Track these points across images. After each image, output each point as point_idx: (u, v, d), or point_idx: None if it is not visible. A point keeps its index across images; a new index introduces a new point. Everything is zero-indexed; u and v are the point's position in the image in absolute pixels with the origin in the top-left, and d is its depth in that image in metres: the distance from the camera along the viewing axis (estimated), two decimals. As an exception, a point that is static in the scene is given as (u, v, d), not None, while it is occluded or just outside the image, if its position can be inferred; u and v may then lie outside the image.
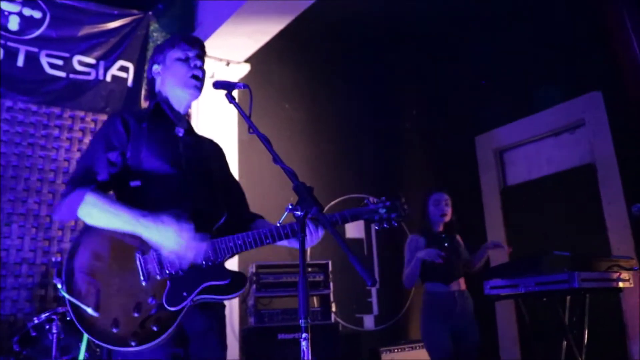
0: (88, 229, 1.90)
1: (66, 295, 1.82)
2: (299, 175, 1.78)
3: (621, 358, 4.62)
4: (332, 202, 5.58)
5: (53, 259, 3.41)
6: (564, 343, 3.56)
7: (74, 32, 4.52)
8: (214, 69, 4.91)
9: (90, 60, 4.58)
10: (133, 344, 1.76)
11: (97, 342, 1.79)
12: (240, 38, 4.80)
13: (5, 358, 3.60)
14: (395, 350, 4.80)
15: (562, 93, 5.42)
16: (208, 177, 2.10)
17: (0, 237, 4.00)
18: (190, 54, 2.13)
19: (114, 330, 1.77)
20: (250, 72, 5.17)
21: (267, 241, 1.94)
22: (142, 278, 1.84)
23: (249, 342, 4.23)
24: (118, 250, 1.87)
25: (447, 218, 3.99)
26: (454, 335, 3.80)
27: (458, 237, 4.11)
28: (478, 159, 6.30)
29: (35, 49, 4.34)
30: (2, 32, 4.21)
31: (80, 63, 4.54)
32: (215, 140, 2.36)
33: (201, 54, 2.17)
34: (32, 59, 4.32)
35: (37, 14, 4.38)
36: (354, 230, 5.72)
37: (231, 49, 4.93)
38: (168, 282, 1.85)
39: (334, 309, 4.51)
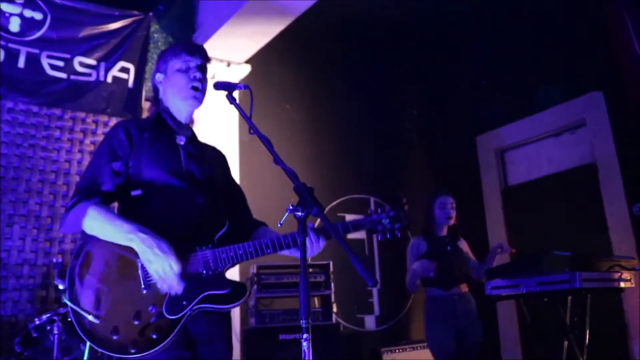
0: (90, 236, 1.92)
1: (68, 302, 1.85)
2: (299, 175, 1.78)
3: (622, 358, 4.62)
4: (333, 203, 5.58)
5: (54, 260, 3.41)
6: (565, 343, 3.56)
7: (74, 34, 4.52)
8: (214, 70, 4.92)
9: (91, 61, 4.59)
10: (133, 351, 1.78)
11: (97, 349, 1.81)
12: (240, 39, 4.81)
13: (6, 359, 3.60)
14: (397, 351, 4.80)
15: (563, 93, 5.42)
16: (209, 185, 2.10)
17: (1, 238, 4.00)
18: (191, 64, 2.13)
19: (114, 338, 1.80)
20: (250, 73, 5.18)
21: (268, 251, 1.95)
22: (142, 286, 1.86)
23: (250, 343, 4.23)
24: (120, 258, 1.89)
25: (453, 221, 3.98)
26: (457, 335, 3.80)
27: (463, 242, 4.10)
28: (479, 159, 6.30)
29: (36, 50, 4.35)
30: (3, 34, 4.21)
31: (81, 64, 4.54)
32: (217, 143, 2.36)
33: (202, 64, 2.16)
34: (33, 60, 4.33)
35: (38, 16, 4.39)
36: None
37: (232, 50, 4.93)
38: None
39: (335, 309, 4.51)
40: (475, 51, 6.05)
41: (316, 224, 2.00)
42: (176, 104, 2.15)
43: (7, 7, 4.26)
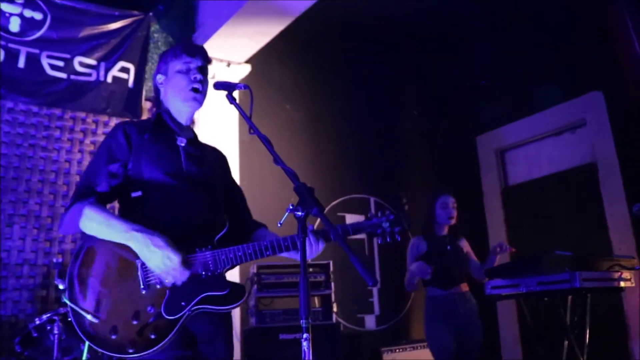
0: (90, 237, 1.94)
1: (67, 302, 1.86)
2: (299, 175, 1.79)
3: (623, 358, 4.62)
4: (333, 203, 5.58)
5: (54, 260, 3.42)
6: (566, 343, 3.55)
7: (74, 34, 4.52)
8: (214, 70, 4.92)
9: (91, 61, 4.59)
10: (131, 351, 1.79)
11: (96, 348, 1.82)
12: (240, 39, 4.81)
13: (6, 359, 3.60)
14: (397, 351, 4.80)
15: (563, 93, 5.42)
16: (209, 187, 2.10)
17: (1, 238, 4.00)
18: (192, 65, 2.13)
19: (113, 337, 1.81)
20: (250, 73, 5.18)
21: (267, 253, 1.95)
22: (142, 286, 1.87)
23: (251, 343, 4.23)
24: (120, 259, 1.90)
25: (454, 221, 3.99)
26: (457, 335, 3.80)
27: (464, 242, 4.10)
28: (479, 159, 6.30)
29: (36, 50, 4.35)
30: (3, 34, 4.21)
31: (81, 64, 4.54)
32: (217, 144, 2.37)
33: (203, 65, 2.16)
34: (33, 61, 4.33)
35: (38, 16, 4.39)
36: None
37: (232, 50, 4.93)
38: (167, 291, 1.88)
39: (335, 309, 4.51)
40: (475, 51, 6.05)
41: (316, 225, 2.00)
42: (177, 105, 2.15)
43: (7, 7, 4.26)
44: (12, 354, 3.50)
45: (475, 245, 4.23)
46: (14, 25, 4.28)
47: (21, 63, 4.28)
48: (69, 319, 3.22)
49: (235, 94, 2.04)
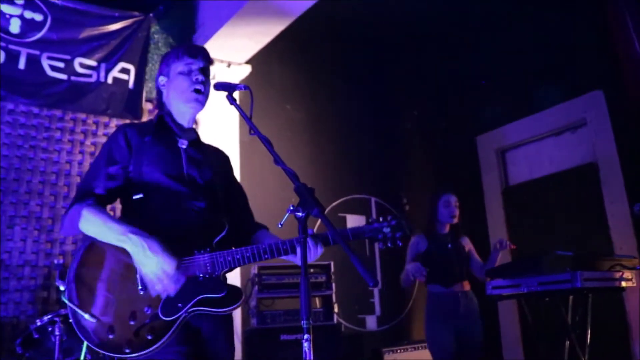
0: (92, 237, 1.95)
1: (65, 301, 1.88)
2: (300, 176, 1.78)
3: (624, 357, 4.61)
4: (334, 203, 5.58)
5: (55, 261, 3.41)
6: (567, 343, 3.55)
7: (75, 35, 4.52)
8: (215, 71, 4.92)
9: (92, 62, 4.59)
10: (127, 351, 1.80)
11: (93, 347, 1.83)
12: (241, 39, 4.81)
13: (8, 360, 3.61)
14: (398, 351, 4.80)
15: (564, 92, 5.42)
16: (210, 189, 2.10)
17: (2, 239, 4.00)
18: (194, 66, 2.13)
19: (110, 337, 1.82)
20: (251, 74, 5.18)
21: (266, 256, 1.95)
22: (139, 287, 1.87)
23: (252, 343, 4.23)
24: (118, 259, 1.91)
25: (456, 220, 4.00)
26: (458, 335, 3.80)
27: (466, 240, 4.11)
28: (479, 159, 6.30)
29: (36, 52, 4.35)
30: (4, 35, 4.21)
31: (82, 65, 4.54)
32: (217, 144, 2.36)
33: (205, 66, 2.16)
34: (34, 62, 4.33)
35: (38, 17, 4.39)
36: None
37: (232, 51, 4.93)
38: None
39: (336, 309, 4.51)
40: (475, 51, 6.05)
41: (317, 225, 2.00)
42: (179, 106, 2.15)
43: (7, 9, 4.26)
44: (13, 355, 3.49)
45: (476, 245, 4.23)
46: (14, 26, 4.29)
47: (21, 64, 4.28)
48: (70, 320, 3.23)
49: (236, 94, 2.04)
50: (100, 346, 1.82)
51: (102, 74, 4.62)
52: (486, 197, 6.15)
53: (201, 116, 2.28)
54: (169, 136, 2.13)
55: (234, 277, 4.42)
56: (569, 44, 5.30)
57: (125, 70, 4.74)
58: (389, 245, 2.00)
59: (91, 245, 1.94)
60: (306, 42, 5.69)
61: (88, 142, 4.52)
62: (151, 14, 4.93)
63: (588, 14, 5.02)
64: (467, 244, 4.11)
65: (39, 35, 4.37)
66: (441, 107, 6.51)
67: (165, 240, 1.87)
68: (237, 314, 4.59)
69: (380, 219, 2.02)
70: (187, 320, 1.88)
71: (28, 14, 4.35)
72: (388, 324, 5.61)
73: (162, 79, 2.19)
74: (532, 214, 5.64)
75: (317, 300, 4.60)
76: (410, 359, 4.80)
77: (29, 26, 4.34)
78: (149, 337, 1.82)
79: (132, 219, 1.94)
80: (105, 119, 4.64)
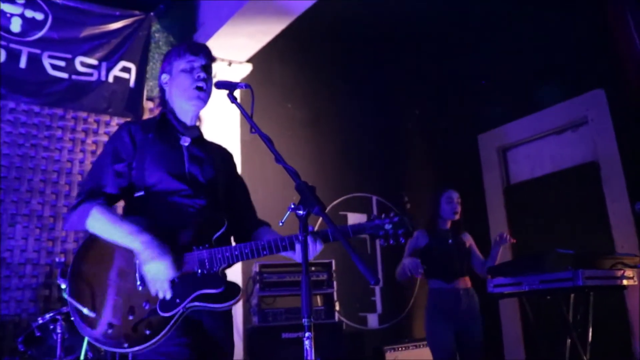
0: (92, 234, 1.96)
1: (65, 296, 1.92)
2: (301, 174, 1.78)
3: (625, 355, 4.61)
4: (335, 201, 5.58)
5: (57, 260, 3.42)
6: (568, 341, 3.55)
7: (76, 34, 4.53)
8: (216, 69, 4.87)
9: (93, 61, 4.59)
10: (125, 345, 1.82)
11: (92, 341, 1.86)
12: (241, 38, 4.80)
13: (10, 358, 3.61)
14: (399, 349, 4.80)
15: (565, 91, 5.42)
16: (211, 187, 2.11)
17: (4, 237, 4.01)
18: (195, 64, 2.13)
19: (109, 332, 1.85)
20: (252, 72, 5.17)
21: (264, 252, 1.95)
22: (138, 283, 1.89)
23: (253, 341, 4.23)
24: (118, 255, 1.93)
25: (458, 216, 4.01)
26: (458, 333, 3.80)
27: (468, 237, 4.12)
28: (481, 158, 6.30)
29: (37, 51, 4.35)
30: (5, 34, 4.22)
31: (83, 64, 4.55)
32: (223, 144, 2.36)
33: (207, 64, 2.16)
34: (35, 61, 4.33)
35: (39, 16, 4.39)
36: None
37: (233, 49, 4.93)
38: None
39: (337, 307, 4.51)
40: (476, 49, 6.04)
41: (318, 224, 2.00)
42: (181, 104, 2.16)
43: (8, 8, 4.27)
44: (16, 353, 3.51)
45: (478, 244, 4.23)
46: (15, 25, 4.29)
47: (23, 63, 4.29)
48: (72, 318, 3.24)
49: (237, 93, 2.04)
50: (99, 341, 1.84)
51: (103, 72, 4.63)
52: (487, 195, 6.15)
53: (202, 114, 2.27)
54: (172, 134, 2.14)
55: (236, 275, 4.43)
56: (570, 43, 5.29)
57: (126, 69, 4.74)
58: (391, 242, 1.98)
59: (91, 241, 1.96)
60: (307, 41, 5.68)
61: (89, 141, 4.53)
62: (152, 13, 4.93)
63: (589, 12, 5.01)
64: (469, 240, 4.12)
65: (40, 34, 4.38)
66: (442, 106, 6.51)
67: (165, 237, 1.89)
68: (239, 312, 4.60)
69: (382, 216, 2.00)
70: (186, 316, 1.89)
71: (29, 13, 4.35)
72: (389, 322, 5.62)
73: (164, 77, 2.20)
74: (534, 212, 5.64)
75: (319, 299, 4.60)
76: (412, 357, 4.80)
77: (30, 25, 4.34)
78: (147, 332, 1.83)
79: (133, 216, 1.96)
80: (106, 118, 4.64)
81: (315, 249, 1.95)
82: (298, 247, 1.94)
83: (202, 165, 2.12)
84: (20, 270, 4.04)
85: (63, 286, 3.29)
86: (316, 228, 4.90)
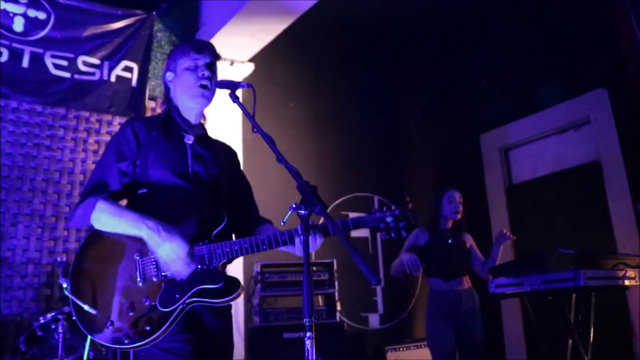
0: (94, 232, 1.97)
1: (67, 293, 1.93)
2: (302, 174, 1.78)
3: (627, 356, 4.60)
4: (337, 201, 5.58)
5: (59, 259, 3.42)
6: (570, 341, 3.55)
7: (78, 33, 4.53)
8: (217, 69, 4.91)
9: (95, 60, 4.60)
10: (126, 342, 1.83)
11: (93, 338, 1.86)
12: (243, 38, 4.81)
13: (11, 357, 3.62)
14: (401, 349, 4.80)
15: (567, 91, 5.40)
16: (214, 185, 2.12)
17: (6, 237, 4.02)
18: (200, 62, 2.13)
19: (109, 328, 1.85)
20: (254, 72, 5.18)
21: (264, 247, 1.96)
22: (138, 279, 1.90)
23: (254, 341, 4.24)
24: (119, 252, 1.94)
25: (460, 216, 4.01)
26: (459, 332, 3.80)
27: (468, 237, 4.11)
28: (483, 157, 6.29)
29: (40, 50, 4.36)
30: (7, 34, 4.23)
31: (85, 63, 4.55)
32: (227, 143, 2.36)
33: (211, 62, 2.16)
34: (37, 60, 4.34)
35: (42, 15, 4.40)
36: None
37: (235, 49, 4.93)
38: (163, 284, 1.90)
39: (339, 307, 4.51)
40: (479, 49, 6.03)
41: (319, 223, 1.99)
42: (185, 102, 2.16)
43: (11, 7, 4.27)
44: (17, 353, 3.51)
45: (479, 244, 4.23)
46: (18, 25, 4.30)
47: (25, 63, 4.29)
48: (73, 318, 3.24)
49: (239, 92, 2.04)
50: (100, 337, 1.85)
51: (106, 72, 4.64)
52: (489, 195, 6.14)
53: (205, 113, 2.28)
54: (176, 131, 2.15)
55: (237, 275, 4.41)
56: (572, 42, 5.28)
57: (128, 69, 4.75)
58: (392, 235, 1.97)
59: (93, 239, 1.97)
60: (309, 41, 5.68)
61: (91, 140, 4.53)
62: (154, 12, 4.94)
63: (591, 11, 5.00)
64: (469, 240, 4.12)
65: (42, 34, 4.38)
66: (444, 106, 6.50)
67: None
68: (240, 312, 4.60)
69: (384, 209, 1.99)
70: (186, 311, 1.90)
71: (31, 13, 4.36)
72: (391, 322, 5.62)
73: (169, 75, 2.20)
74: (535, 212, 5.63)
75: (320, 298, 4.60)
76: (413, 357, 4.80)
77: (32, 24, 4.35)
78: (148, 328, 1.84)
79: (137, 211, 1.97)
80: (108, 117, 4.65)
81: (316, 242, 1.95)
82: (297, 240, 1.94)
83: (206, 163, 2.13)
84: (22, 270, 4.04)
85: (65, 285, 3.29)
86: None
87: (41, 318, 3.31)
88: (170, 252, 1.86)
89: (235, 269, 4.33)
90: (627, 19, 4.38)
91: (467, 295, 3.88)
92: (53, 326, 3.28)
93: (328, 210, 1.72)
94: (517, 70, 5.76)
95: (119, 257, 1.93)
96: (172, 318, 1.86)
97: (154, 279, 1.90)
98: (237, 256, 1.95)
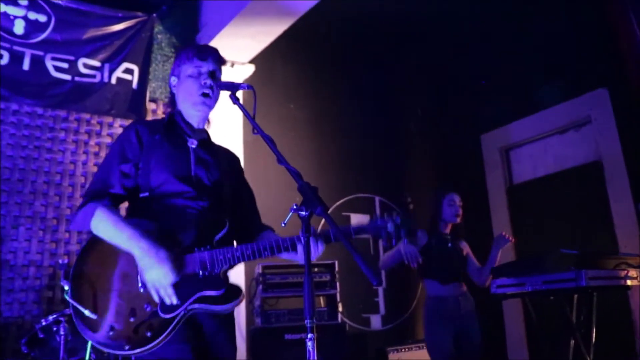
0: (95, 235, 1.96)
1: (67, 297, 1.90)
2: (303, 175, 1.78)
3: (629, 356, 4.60)
4: (338, 202, 5.58)
5: (60, 261, 3.42)
6: (572, 342, 3.54)
7: (78, 35, 4.54)
8: (218, 71, 4.92)
9: (95, 62, 4.60)
10: (127, 347, 1.82)
11: (94, 344, 1.85)
12: (244, 39, 4.81)
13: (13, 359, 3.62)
14: (402, 350, 4.80)
15: (568, 90, 5.40)
16: (216, 190, 2.11)
17: (7, 239, 4.02)
18: (203, 69, 2.13)
19: (110, 334, 1.84)
20: (254, 73, 5.18)
21: (266, 254, 1.95)
22: (140, 285, 1.89)
23: (256, 343, 4.23)
24: (121, 257, 1.92)
25: (459, 219, 3.99)
26: (458, 336, 3.78)
27: (464, 244, 4.09)
28: (484, 158, 6.28)
29: (40, 53, 4.36)
30: (8, 36, 4.23)
31: (86, 66, 4.56)
32: (221, 144, 2.35)
33: (214, 69, 2.15)
34: (38, 63, 4.35)
35: (42, 18, 4.40)
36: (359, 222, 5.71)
37: (235, 50, 4.94)
38: None
39: (340, 309, 4.50)
40: (479, 49, 6.03)
41: (320, 225, 1.99)
42: (187, 109, 2.17)
43: (11, 10, 4.28)
44: (19, 355, 3.52)
45: (480, 244, 4.22)
46: (19, 27, 4.30)
47: (26, 65, 4.30)
48: (74, 320, 3.24)
49: (239, 94, 2.04)
50: (100, 343, 1.84)
51: (106, 74, 4.64)
52: (490, 195, 6.13)
53: (209, 118, 2.27)
54: (179, 135, 2.15)
55: (238, 277, 4.43)
56: (573, 42, 5.28)
57: (128, 71, 4.75)
58: (393, 243, 1.99)
59: (94, 243, 1.95)
60: (309, 42, 5.69)
61: (92, 143, 4.53)
62: (154, 14, 4.94)
63: (592, 11, 5.00)
64: (466, 248, 4.08)
65: (43, 36, 4.39)
66: (444, 106, 6.50)
67: (166, 239, 1.89)
68: (242, 313, 4.60)
69: (385, 216, 2.00)
70: (187, 318, 1.89)
71: (32, 15, 4.36)
72: (392, 323, 5.61)
73: (173, 80, 2.21)
74: (536, 212, 5.63)
75: (322, 300, 4.59)
76: (415, 358, 4.80)
77: (33, 27, 4.35)
78: (148, 334, 1.83)
79: (137, 217, 1.97)
80: (109, 119, 4.65)
81: (317, 250, 1.95)
82: (299, 248, 1.95)
83: (209, 167, 2.13)
84: (24, 272, 4.05)
85: (66, 288, 3.29)
86: (319, 229, 4.89)
87: (43, 320, 3.31)
88: (155, 279, 1.84)
89: (237, 270, 4.30)
90: (627, 18, 4.38)
91: (465, 299, 3.86)
92: (54, 328, 3.28)
93: (329, 211, 1.71)
94: (517, 70, 5.76)
95: (120, 262, 1.92)
96: (173, 325, 1.85)
97: None
98: (239, 262, 1.95)
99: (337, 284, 4.49)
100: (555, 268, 3.35)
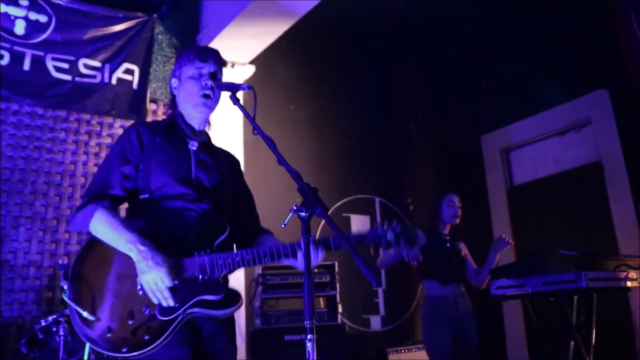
0: (94, 236, 1.96)
1: (65, 298, 1.89)
2: (303, 176, 1.78)
3: (629, 357, 4.59)
4: (338, 203, 5.58)
5: (60, 262, 3.42)
6: (572, 343, 3.54)
7: (79, 36, 4.54)
8: (219, 71, 4.92)
9: (96, 63, 4.60)
10: (124, 350, 1.81)
11: (92, 345, 1.84)
12: (244, 40, 4.81)
13: (13, 360, 3.62)
14: (402, 351, 4.80)
15: (568, 91, 5.40)
16: (216, 192, 2.11)
17: (7, 240, 4.02)
18: (204, 70, 2.13)
19: (108, 336, 1.83)
20: (255, 74, 5.18)
21: (266, 260, 1.95)
22: (138, 287, 1.88)
23: (256, 344, 4.23)
24: (119, 259, 1.92)
25: (459, 220, 3.99)
26: (456, 337, 3.77)
27: (462, 245, 4.09)
28: (484, 159, 6.28)
29: (41, 53, 4.36)
30: (8, 36, 4.23)
31: (86, 66, 4.56)
32: (221, 145, 2.35)
33: (215, 70, 2.15)
34: (38, 63, 4.35)
35: (43, 18, 4.41)
36: (359, 229, 5.71)
37: (236, 51, 4.94)
38: None
39: (340, 310, 4.51)
40: (479, 50, 6.03)
41: (320, 226, 2.00)
42: (188, 110, 2.17)
43: (12, 10, 4.28)
44: (18, 355, 3.51)
45: (479, 245, 4.22)
46: (19, 28, 4.30)
47: (26, 65, 4.30)
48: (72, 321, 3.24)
49: (239, 94, 2.04)
50: (98, 345, 1.83)
51: (107, 74, 4.64)
52: (490, 196, 6.13)
53: (210, 120, 2.27)
54: (180, 137, 2.14)
55: (238, 278, 4.43)
56: (573, 43, 5.28)
57: (129, 71, 4.75)
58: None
59: (92, 244, 1.95)
60: (310, 42, 5.69)
61: (92, 143, 4.53)
62: (155, 15, 4.94)
63: (592, 12, 5.00)
64: (464, 249, 4.08)
65: (43, 37, 4.39)
66: (445, 106, 6.50)
67: (166, 242, 1.89)
68: (241, 314, 4.60)
69: (385, 225, 1.99)
70: (186, 321, 1.89)
71: (32, 15, 4.36)
72: (392, 324, 5.61)
73: (174, 81, 2.21)
74: (537, 213, 5.63)
75: (321, 301, 4.60)
76: (415, 359, 4.80)
77: (33, 27, 4.35)
78: (146, 337, 1.82)
79: (136, 219, 1.96)
80: (109, 120, 4.65)
81: (317, 257, 1.94)
82: (300, 255, 1.94)
83: (209, 170, 2.12)
84: (24, 273, 4.04)
85: (65, 288, 3.29)
86: (319, 230, 4.90)
87: (42, 321, 3.30)
88: (151, 282, 1.83)
89: (237, 271, 4.33)
90: (628, 19, 4.38)
91: (463, 299, 3.87)
92: (54, 329, 3.28)
93: (329, 212, 1.71)
94: (518, 71, 5.76)
95: (119, 264, 1.91)
96: (171, 328, 1.84)
97: None
98: (239, 267, 1.94)
99: (337, 285, 4.49)
100: (555, 269, 3.35)
